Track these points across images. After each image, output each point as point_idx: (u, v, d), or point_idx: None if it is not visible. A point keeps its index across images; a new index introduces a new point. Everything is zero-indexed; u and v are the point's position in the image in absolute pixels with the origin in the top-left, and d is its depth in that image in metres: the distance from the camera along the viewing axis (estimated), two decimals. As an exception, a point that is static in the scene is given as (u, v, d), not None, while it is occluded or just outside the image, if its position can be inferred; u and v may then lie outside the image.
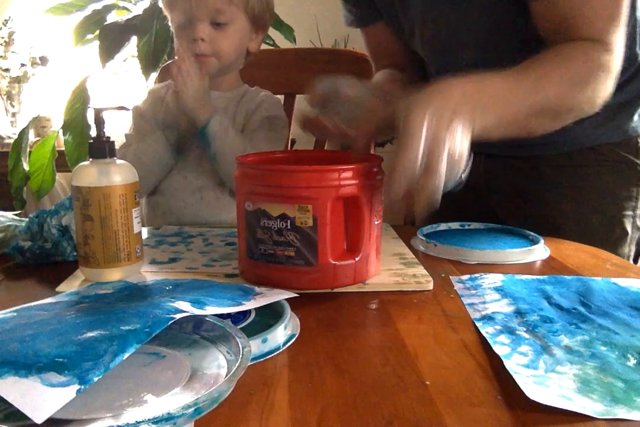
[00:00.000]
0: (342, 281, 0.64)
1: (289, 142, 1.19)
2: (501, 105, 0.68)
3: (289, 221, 0.61)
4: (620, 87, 0.94)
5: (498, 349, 0.48)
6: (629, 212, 0.98)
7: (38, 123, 2.51)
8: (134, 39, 1.94)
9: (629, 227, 0.98)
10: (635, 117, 0.96)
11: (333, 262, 0.63)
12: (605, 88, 0.76)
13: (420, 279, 0.66)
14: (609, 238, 0.89)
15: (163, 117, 1.01)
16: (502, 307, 0.58)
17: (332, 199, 0.61)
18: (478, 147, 1.06)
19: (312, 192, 0.61)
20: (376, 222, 0.66)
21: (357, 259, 0.64)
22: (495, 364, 0.47)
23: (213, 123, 0.95)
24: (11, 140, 2.23)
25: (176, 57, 0.96)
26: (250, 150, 0.91)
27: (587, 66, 0.74)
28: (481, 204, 1.07)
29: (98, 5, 2.06)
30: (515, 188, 1.02)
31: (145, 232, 0.88)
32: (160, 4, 1.04)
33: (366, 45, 1.10)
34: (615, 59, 0.76)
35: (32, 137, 2.38)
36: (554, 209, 0.97)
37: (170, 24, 1.02)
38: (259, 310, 0.55)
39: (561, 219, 0.95)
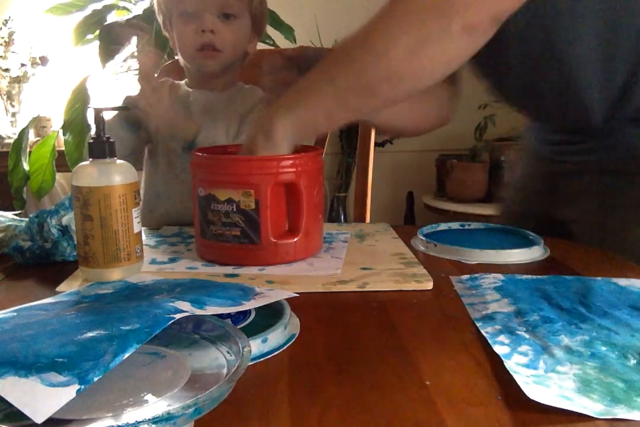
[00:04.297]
0: (284, 257, 0.72)
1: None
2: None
3: (234, 204, 0.69)
4: None
5: (498, 349, 0.48)
6: None
7: (38, 123, 2.51)
8: (134, 39, 1.94)
9: None
10: None
11: (274, 240, 0.71)
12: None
13: (420, 278, 0.66)
14: None
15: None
16: (502, 307, 0.58)
17: (272, 185, 0.69)
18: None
19: (254, 178, 0.69)
20: (315, 207, 0.74)
21: (296, 239, 0.72)
22: (495, 364, 0.47)
23: (200, 138, 0.97)
24: (11, 140, 2.23)
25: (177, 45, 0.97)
26: None
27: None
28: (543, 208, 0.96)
29: (98, 5, 2.06)
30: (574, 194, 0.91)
31: (145, 233, 0.88)
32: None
33: None
34: None
35: (32, 137, 2.38)
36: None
37: (159, 19, 1.02)
38: (259, 310, 0.55)
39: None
